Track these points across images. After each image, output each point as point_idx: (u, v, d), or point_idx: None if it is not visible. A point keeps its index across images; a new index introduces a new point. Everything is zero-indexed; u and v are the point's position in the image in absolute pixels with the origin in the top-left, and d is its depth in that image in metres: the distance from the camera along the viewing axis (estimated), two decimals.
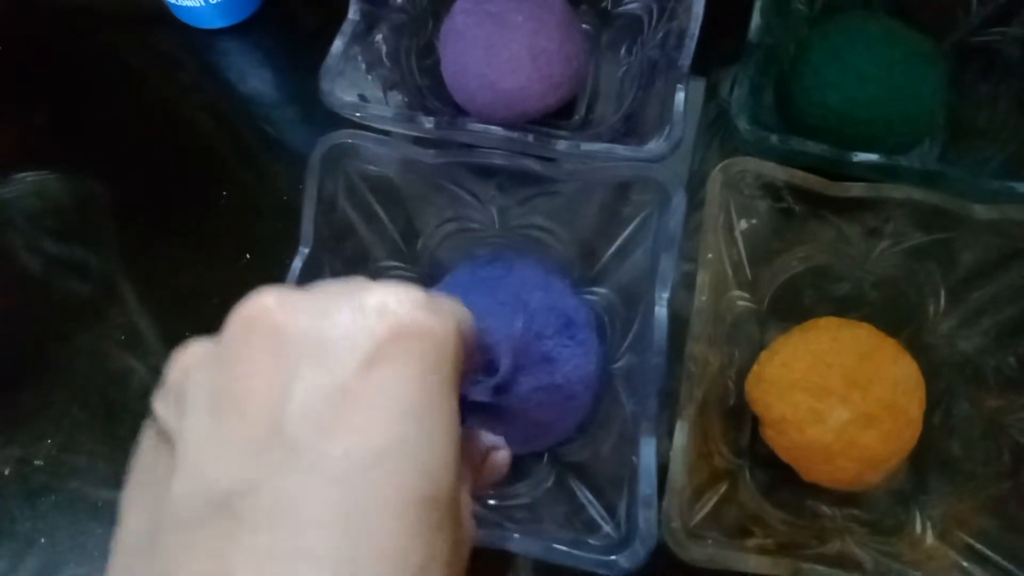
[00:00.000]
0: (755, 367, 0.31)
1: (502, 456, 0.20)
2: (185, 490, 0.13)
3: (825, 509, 0.30)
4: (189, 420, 0.14)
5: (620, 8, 0.39)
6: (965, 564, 0.27)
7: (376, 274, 0.32)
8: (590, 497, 0.28)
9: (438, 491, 0.14)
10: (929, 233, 0.30)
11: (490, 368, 0.28)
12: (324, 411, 0.13)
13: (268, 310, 0.14)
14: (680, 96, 0.31)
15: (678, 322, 0.28)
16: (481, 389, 0.27)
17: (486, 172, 0.30)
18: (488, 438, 0.21)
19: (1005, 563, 0.26)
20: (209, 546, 0.12)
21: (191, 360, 0.15)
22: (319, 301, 0.15)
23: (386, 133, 0.31)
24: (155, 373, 0.36)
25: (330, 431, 0.13)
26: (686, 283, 0.29)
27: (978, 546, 0.27)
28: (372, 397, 0.13)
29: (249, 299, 0.14)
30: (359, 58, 0.34)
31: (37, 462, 0.34)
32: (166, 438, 0.14)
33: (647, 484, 0.24)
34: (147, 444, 0.15)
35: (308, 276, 0.28)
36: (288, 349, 0.14)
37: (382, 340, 0.14)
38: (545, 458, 0.30)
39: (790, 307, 0.32)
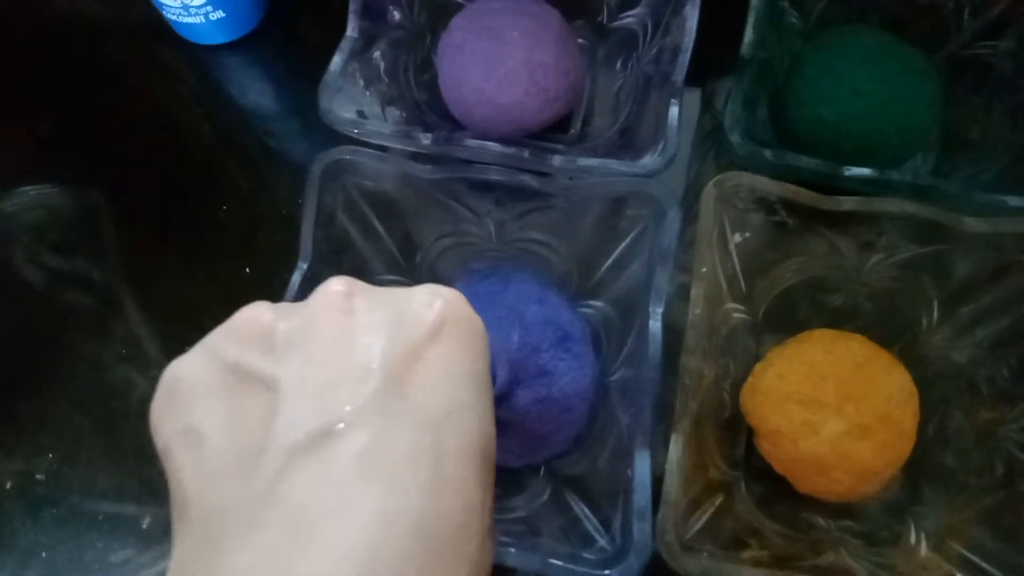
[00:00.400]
0: (750, 379, 0.31)
1: None
2: (290, 424, 0.15)
3: (820, 521, 0.30)
4: (287, 368, 0.16)
5: (616, 23, 0.39)
6: (959, 575, 0.27)
7: None
8: (586, 510, 0.28)
9: (487, 447, 0.17)
10: (922, 246, 0.30)
11: None
12: (402, 369, 0.16)
13: (344, 293, 0.17)
14: (674, 111, 0.31)
15: (674, 333, 0.28)
16: None
17: (483, 187, 0.31)
18: None
19: (999, 574, 0.27)
20: (315, 468, 0.14)
21: (268, 318, 0.17)
22: (386, 292, 0.18)
23: (384, 149, 0.31)
24: (156, 386, 0.37)
25: (409, 385, 0.16)
26: (682, 294, 0.29)
27: (972, 557, 0.28)
28: (439, 362, 0.16)
29: (327, 284, 0.18)
30: (357, 74, 0.34)
31: (38, 475, 0.35)
32: (250, 378, 0.16)
33: (642, 497, 0.25)
34: (214, 380, 0.17)
35: (307, 291, 0.28)
36: (366, 323, 0.17)
37: (442, 321, 0.17)
38: (541, 471, 0.31)
39: (785, 319, 0.33)
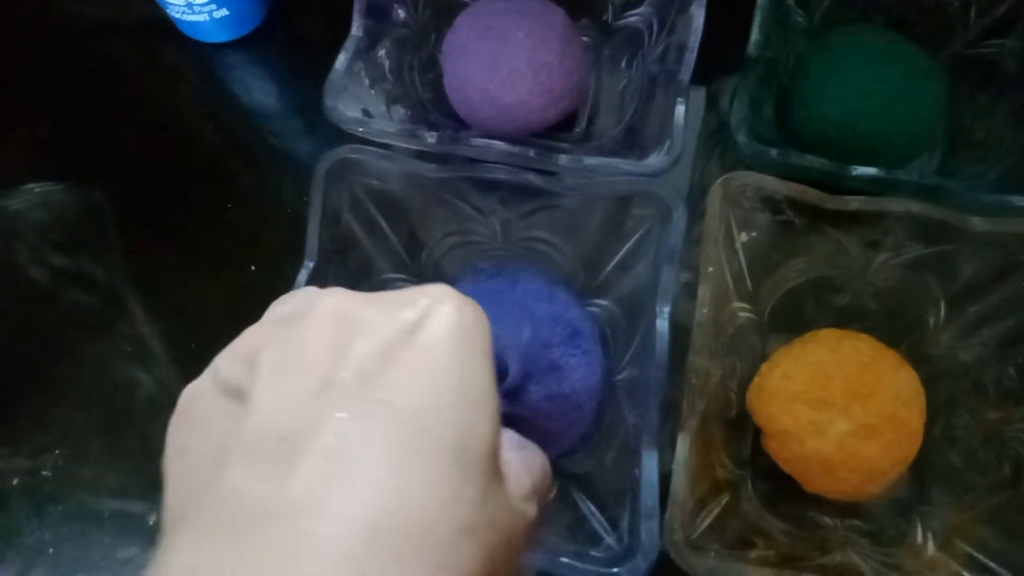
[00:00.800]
0: (756, 378, 0.31)
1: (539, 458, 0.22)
2: (254, 429, 0.15)
3: (827, 520, 0.30)
4: (259, 379, 0.16)
5: (621, 21, 0.39)
6: (966, 574, 0.27)
7: (380, 286, 0.33)
8: (593, 509, 0.28)
9: (468, 440, 0.16)
10: (928, 245, 0.30)
11: (499, 376, 0.28)
12: (373, 368, 0.16)
13: (337, 303, 0.17)
14: (680, 110, 0.31)
15: (680, 331, 0.28)
16: None
17: (488, 186, 0.31)
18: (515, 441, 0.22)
19: (1006, 573, 0.27)
20: (272, 470, 0.14)
21: (259, 340, 0.17)
22: (377, 297, 0.18)
23: (389, 147, 0.31)
24: (161, 384, 0.37)
25: (378, 385, 0.16)
26: (688, 293, 0.29)
27: (979, 556, 0.28)
28: (414, 359, 0.16)
29: (321, 295, 0.17)
30: (362, 73, 0.34)
31: (44, 473, 0.35)
32: (233, 393, 0.16)
33: (649, 496, 0.25)
34: (207, 399, 0.17)
35: None
36: (348, 326, 0.17)
37: (419, 318, 0.17)
38: None
39: (791, 318, 0.33)
